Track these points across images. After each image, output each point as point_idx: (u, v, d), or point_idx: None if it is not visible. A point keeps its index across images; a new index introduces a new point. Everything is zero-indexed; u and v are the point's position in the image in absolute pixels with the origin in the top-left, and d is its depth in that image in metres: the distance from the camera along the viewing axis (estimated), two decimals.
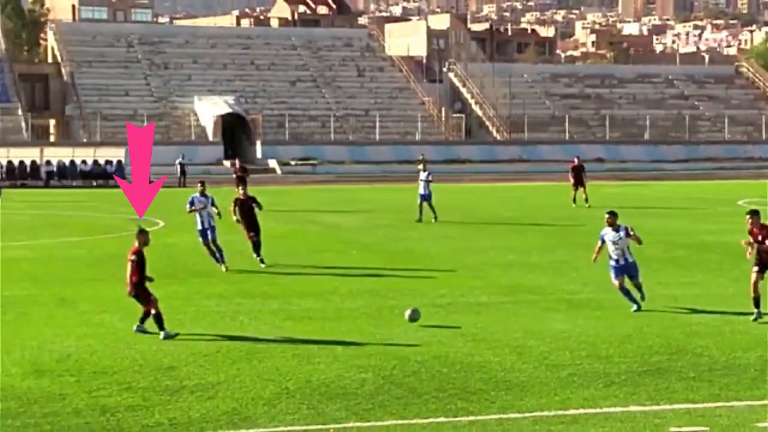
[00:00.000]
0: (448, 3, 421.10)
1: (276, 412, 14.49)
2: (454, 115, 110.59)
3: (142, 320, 19.73)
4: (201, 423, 13.99)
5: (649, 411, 14.52)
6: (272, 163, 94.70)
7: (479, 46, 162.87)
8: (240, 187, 31.65)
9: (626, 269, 21.76)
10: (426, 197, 43.44)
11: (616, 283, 21.85)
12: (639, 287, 22.02)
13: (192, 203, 29.15)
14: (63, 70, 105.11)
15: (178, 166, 77.23)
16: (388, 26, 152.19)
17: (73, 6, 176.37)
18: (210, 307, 22.84)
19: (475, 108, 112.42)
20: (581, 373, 16.62)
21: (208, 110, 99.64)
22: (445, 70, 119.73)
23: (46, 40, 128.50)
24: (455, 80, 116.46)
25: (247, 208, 29.73)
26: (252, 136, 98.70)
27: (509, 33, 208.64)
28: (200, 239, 28.96)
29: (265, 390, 15.63)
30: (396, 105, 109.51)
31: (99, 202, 57.09)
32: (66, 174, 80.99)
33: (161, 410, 14.55)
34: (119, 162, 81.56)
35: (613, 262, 21.80)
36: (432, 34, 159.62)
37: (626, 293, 21.81)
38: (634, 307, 21.61)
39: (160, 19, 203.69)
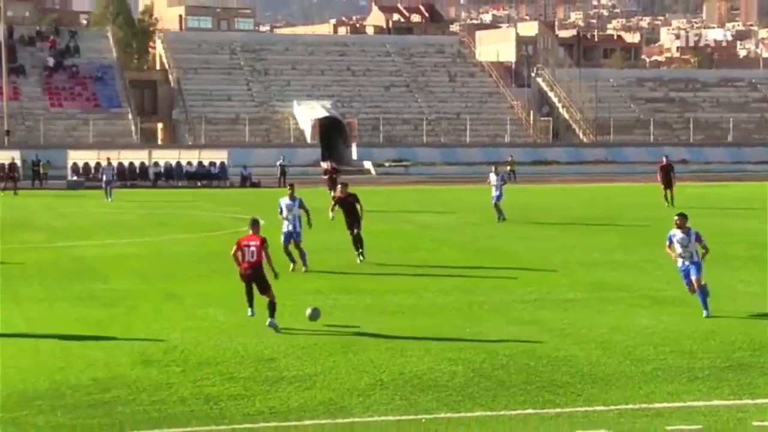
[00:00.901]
0: (537, 10, 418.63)
1: (370, 403, 14.52)
2: (542, 118, 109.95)
3: (272, 313, 19.77)
4: (299, 412, 14.06)
5: (732, 405, 14.32)
6: (367, 165, 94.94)
7: (566, 51, 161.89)
8: (331, 189, 31.70)
9: (689, 270, 20.91)
10: (497, 198, 43.32)
11: (687, 286, 21.13)
12: (702, 288, 20.95)
13: (280, 207, 28.46)
14: (170, 77, 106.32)
15: (279, 167, 77.81)
16: (478, 33, 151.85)
17: (180, 16, 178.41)
18: (308, 302, 22.92)
19: (562, 111, 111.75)
20: (665, 367, 16.44)
21: (306, 114, 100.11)
22: (533, 75, 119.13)
23: (154, 48, 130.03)
24: (543, 85, 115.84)
25: (347, 206, 29.73)
26: (348, 139, 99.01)
27: (596, 39, 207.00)
28: (282, 241, 27.79)
29: (360, 381, 15.66)
30: (486, 109, 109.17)
31: (203, 201, 57.63)
32: (172, 175, 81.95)
33: (261, 399, 14.66)
34: (222, 163, 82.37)
35: (679, 263, 21.12)
36: (521, 41, 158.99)
37: (701, 295, 20.90)
38: (705, 312, 20.66)
39: (262, 28, 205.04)
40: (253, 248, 20.00)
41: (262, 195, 58.74)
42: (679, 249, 21.14)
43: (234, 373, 16.18)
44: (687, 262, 21.03)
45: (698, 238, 21.01)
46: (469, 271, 28.03)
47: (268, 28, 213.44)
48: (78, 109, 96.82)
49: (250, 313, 20.32)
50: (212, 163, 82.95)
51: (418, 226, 42.63)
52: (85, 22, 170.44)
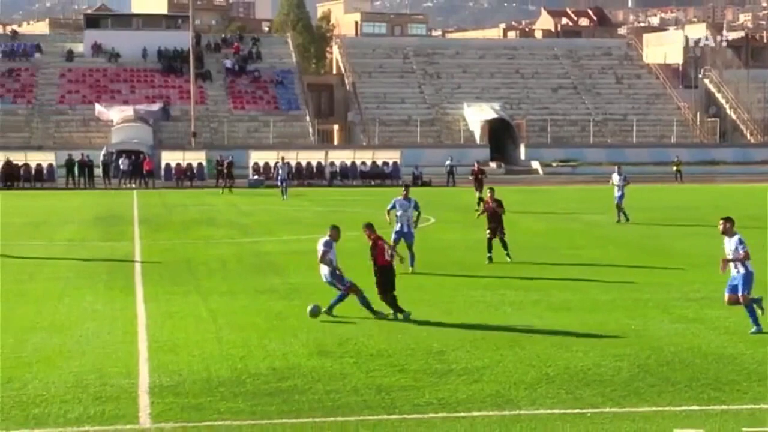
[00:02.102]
0: (705, 13, 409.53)
1: (536, 396, 14.43)
2: (709, 119, 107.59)
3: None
4: (467, 404, 14.05)
5: None
6: (535, 165, 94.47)
7: (734, 53, 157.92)
8: (478, 190, 31.52)
9: (733, 281, 18.66)
10: (619, 199, 42.53)
11: (725, 297, 18.92)
12: (747, 304, 18.65)
13: (394, 206, 27.91)
14: (346, 80, 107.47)
15: (448, 168, 77.98)
16: (646, 36, 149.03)
17: (356, 22, 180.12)
18: (476, 297, 22.93)
19: (730, 112, 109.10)
20: None
21: (476, 116, 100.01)
22: (700, 76, 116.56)
23: (331, 53, 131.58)
24: (710, 86, 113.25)
25: (491, 212, 29.64)
26: (516, 140, 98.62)
27: (765, 40, 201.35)
28: (393, 238, 26.98)
29: (527, 375, 15.57)
30: (652, 110, 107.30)
31: (376, 199, 58.07)
32: (347, 174, 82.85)
33: (431, 391, 14.69)
34: (395, 163, 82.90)
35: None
36: (688, 43, 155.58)
37: (749, 310, 18.69)
38: (753, 328, 18.45)
39: (434, 33, 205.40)
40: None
41: (432, 194, 58.71)
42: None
43: (405, 365, 16.25)
44: (733, 272, 18.74)
45: (739, 243, 18.60)
46: (634, 269, 27.60)
47: (439, 33, 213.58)
48: (259, 112, 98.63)
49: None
50: (385, 163, 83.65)
51: (584, 225, 42.19)
52: (266, 29, 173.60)
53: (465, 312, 20.84)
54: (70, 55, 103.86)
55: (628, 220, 41.70)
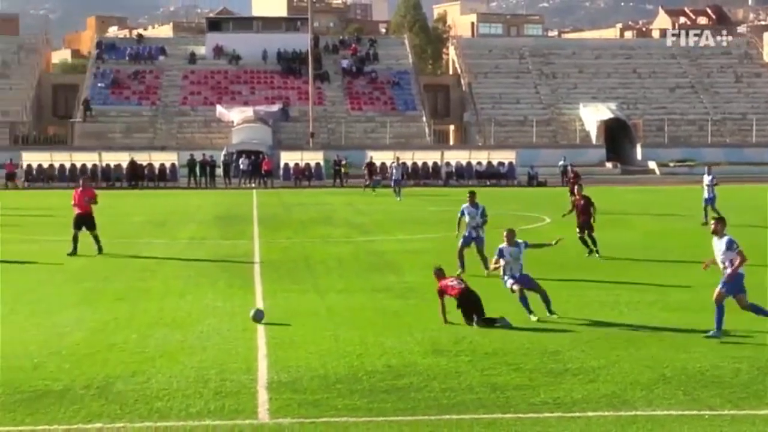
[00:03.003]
0: None
1: (653, 397, 14.21)
2: None
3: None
4: (582, 404, 13.90)
5: None
6: (651, 165, 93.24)
7: None
8: (572, 194, 31.49)
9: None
10: (709, 200, 41.55)
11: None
12: (747, 308, 18.13)
13: (462, 213, 27.58)
14: (462, 81, 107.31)
15: (561, 168, 77.44)
16: (766, 34, 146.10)
17: (473, 23, 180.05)
18: (591, 297, 22.70)
19: None
20: None
21: (592, 116, 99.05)
22: None
23: (447, 54, 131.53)
24: None
25: (580, 208, 30.08)
26: (633, 140, 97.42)
27: None
28: (461, 243, 26.95)
29: (643, 376, 15.35)
30: None
31: (491, 199, 57.88)
32: (463, 174, 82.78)
33: (546, 390, 14.56)
34: (510, 163, 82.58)
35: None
36: None
37: (718, 311, 18.07)
38: (711, 332, 17.89)
39: (550, 33, 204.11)
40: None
41: (547, 194, 58.35)
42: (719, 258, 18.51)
43: (520, 364, 16.14)
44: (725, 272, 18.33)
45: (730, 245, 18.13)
46: (752, 269, 26.97)
47: (555, 33, 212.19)
48: (376, 113, 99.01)
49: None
50: (500, 163, 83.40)
51: (700, 225, 41.44)
52: (383, 30, 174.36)
53: (580, 311, 20.63)
54: (192, 58, 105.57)
55: (706, 223, 40.67)
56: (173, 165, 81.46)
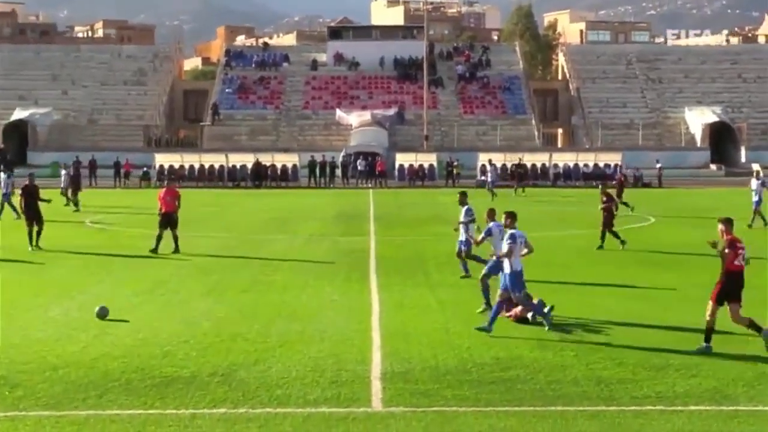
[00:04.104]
0: None
1: (755, 393, 13.91)
2: None
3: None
4: (684, 398, 13.68)
5: None
6: (755, 167, 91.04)
7: None
8: (619, 198, 32.77)
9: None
10: (757, 203, 40.27)
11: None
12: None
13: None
14: (570, 86, 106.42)
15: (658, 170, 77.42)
16: None
17: (581, 31, 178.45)
18: (693, 295, 22.17)
19: None
20: None
21: (697, 119, 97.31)
22: None
23: (557, 60, 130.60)
24: None
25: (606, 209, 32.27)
26: (737, 143, 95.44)
27: None
28: (461, 248, 25.20)
29: (745, 372, 15.04)
30: None
31: (597, 199, 57.19)
32: (570, 175, 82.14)
33: (649, 384, 14.36)
34: (616, 165, 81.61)
35: None
36: None
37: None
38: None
39: (657, 40, 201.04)
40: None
41: (649, 195, 57.40)
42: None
43: (623, 358, 15.93)
44: None
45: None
46: None
47: (662, 39, 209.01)
48: (488, 116, 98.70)
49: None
50: (607, 165, 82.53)
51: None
52: (495, 38, 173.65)
53: (681, 309, 20.28)
54: (314, 65, 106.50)
55: (766, 224, 39.52)
56: (294, 166, 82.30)
